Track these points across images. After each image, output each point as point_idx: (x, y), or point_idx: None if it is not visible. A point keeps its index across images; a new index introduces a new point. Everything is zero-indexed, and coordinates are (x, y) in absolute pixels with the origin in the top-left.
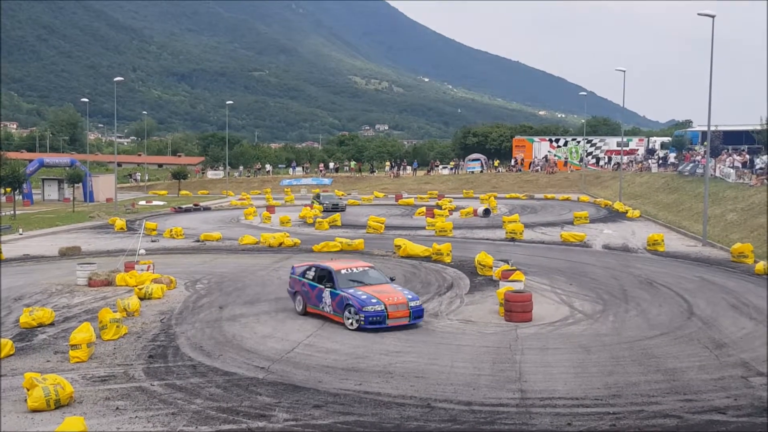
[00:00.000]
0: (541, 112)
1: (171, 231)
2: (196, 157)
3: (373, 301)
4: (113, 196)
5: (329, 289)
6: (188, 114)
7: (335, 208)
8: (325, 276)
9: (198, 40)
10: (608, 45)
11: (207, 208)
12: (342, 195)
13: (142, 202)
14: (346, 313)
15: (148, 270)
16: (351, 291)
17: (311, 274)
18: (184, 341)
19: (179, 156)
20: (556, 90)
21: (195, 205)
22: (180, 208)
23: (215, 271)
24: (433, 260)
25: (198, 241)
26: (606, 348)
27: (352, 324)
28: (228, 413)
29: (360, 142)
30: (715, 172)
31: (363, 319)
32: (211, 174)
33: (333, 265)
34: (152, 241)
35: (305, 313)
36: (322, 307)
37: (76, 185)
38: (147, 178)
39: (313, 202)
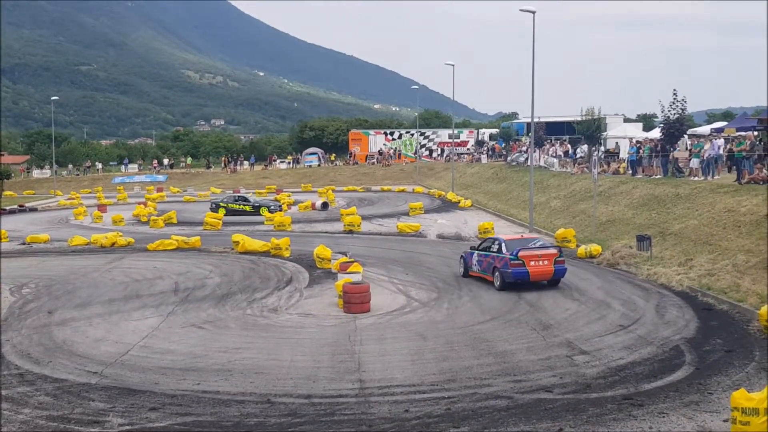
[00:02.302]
0: (375, 106)
1: None
2: (20, 156)
3: None
4: None
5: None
6: (11, 111)
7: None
8: None
9: (19, 34)
10: (438, 40)
11: (33, 209)
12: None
13: None
14: None
15: None
16: None
17: None
18: (9, 349)
19: (2, 155)
20: (390, 84)
21: (20, 206)
22: (3, 209)
23: (43, 275)
24: (272, 255)
25: (24, 243)
26: (441, 334)
27: None
28: (59, 421)
29: (195, 138)
30: (539, 161)
31: None
32: (37, 173)
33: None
34: None
35: None
36: None
37: None
38: None
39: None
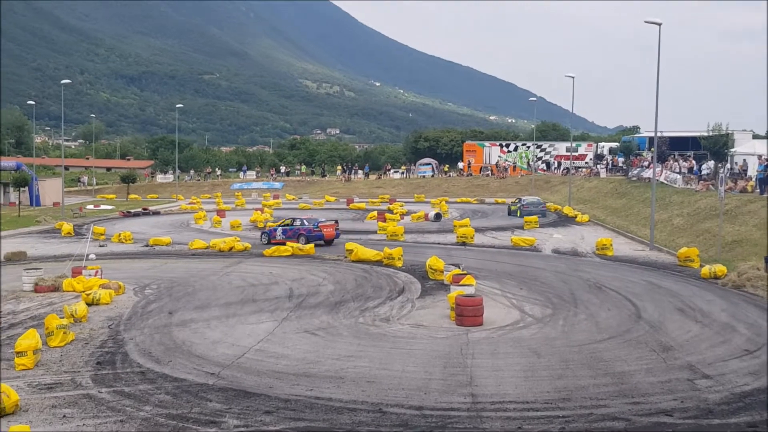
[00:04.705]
0: (491, 117)
1: (120, 235)
2: (145, 160)
3: None
4: (60, 200)
5: None
6: (137, 117)
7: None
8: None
9: (147, 43)
10: (558, 51)
11: (156, 213)
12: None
13: (90, 207)
14: None
15: (96, 275)
16: None
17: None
18: (132, 347)
19: (128, 159)
20: (507, 95)
21: (144, 209)
22: (129, 212)
23: (165, 276)
24: (384, 264)
25: (147, 245)
26: (556, 352)
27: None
28: (178, 420)
29: (311, 146)
30: (661, 177)
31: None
32: (160, 178)
33: None
34: (100, 246)
35: None
36: None
37: (21, 189)
38: (95, 181)
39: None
